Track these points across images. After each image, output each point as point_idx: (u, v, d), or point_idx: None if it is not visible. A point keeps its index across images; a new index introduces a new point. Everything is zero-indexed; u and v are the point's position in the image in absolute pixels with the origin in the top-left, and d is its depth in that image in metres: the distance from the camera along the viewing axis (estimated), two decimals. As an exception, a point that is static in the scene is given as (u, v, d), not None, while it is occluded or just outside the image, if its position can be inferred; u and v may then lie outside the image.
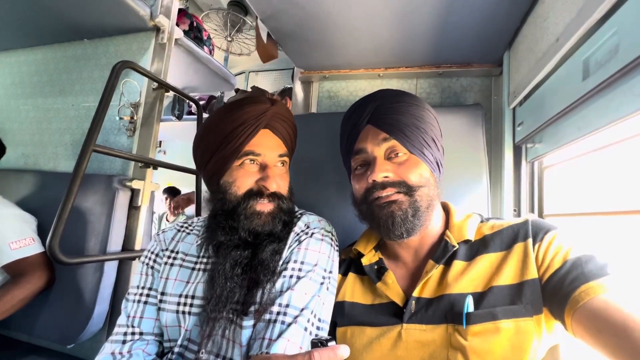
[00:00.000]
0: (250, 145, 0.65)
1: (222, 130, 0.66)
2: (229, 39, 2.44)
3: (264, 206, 0.65)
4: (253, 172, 0.66)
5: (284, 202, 0.68)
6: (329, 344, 0.39)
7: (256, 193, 0.65)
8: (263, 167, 0.67)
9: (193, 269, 0.69)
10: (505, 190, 0.98)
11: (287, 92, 2.06)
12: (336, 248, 0.72)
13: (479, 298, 0.55)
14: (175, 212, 2.99)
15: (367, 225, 0.71)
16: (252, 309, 0.60)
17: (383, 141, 0.63)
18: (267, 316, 0.58)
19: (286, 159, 0.71)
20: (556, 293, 0.50)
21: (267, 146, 0.67)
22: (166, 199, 3.12)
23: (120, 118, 1.25)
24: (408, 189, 0.60)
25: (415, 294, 0.59)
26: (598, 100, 0.60)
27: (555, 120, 0.74)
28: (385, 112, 0.64)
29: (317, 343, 0.40)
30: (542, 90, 0.80)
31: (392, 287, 0.63)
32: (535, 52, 0.80)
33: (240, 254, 0.64)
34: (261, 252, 0.63)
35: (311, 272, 0.63)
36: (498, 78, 1.13)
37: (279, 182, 0.67)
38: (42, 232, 1.12)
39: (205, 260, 0.69)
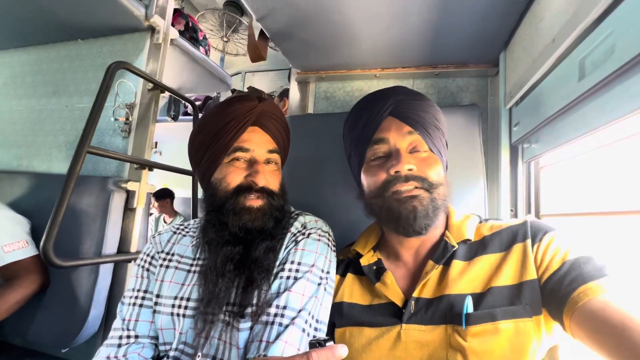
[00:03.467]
0: (239, 141, 0.66)
1: (213, 128, 0.66)
2: (225, 39, 2.43)
3: (254, 202, 0.65)
4: (242, 169, 0.67)
5: (275, 198, 0.68)
6: (327, 344, 0.39)
7: (245, 188, 0.65)
8: (252, 163, 0.67)
9: (189, 271, 0.68)
10: (502, 190, 0.98)
11: (286, 94, 2.06)
12: (333, 248, 0.72)
13: (478, 299, 0.54)
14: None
15: (374, 220, 0.70)
16: (248, 310, 0.59)
17: (408, 134, 0.63)
18: (264, 318, 0.57)
19: (276, 156, 0.71)
20: (555, 294, 0.50)
21: (255, 142, 0.68)
22: (155, 203, 3.10)
23: (115, 119, 1.24)
24: (429, 186, 0.60)
25: (415, 294, 0.59)
26: (594, 100, 0.60)
27: (551, 121, 0.75)
28: (409, 107, 0.64)
29: (315, 344, 0.39)
30: (539, 90, 0.81)
31: (391, 288, 0.62)
32: (532, 52, 0.81)
33: (231, 249, 0.63)
34: (254, 250, 0.63)
35: (308, 272, 0.62)
36: (494, 78, 1.13)
37: (268, 178, 0.67)
38: (36, 235, 1.10)
39: (201, 262, 0.68)
